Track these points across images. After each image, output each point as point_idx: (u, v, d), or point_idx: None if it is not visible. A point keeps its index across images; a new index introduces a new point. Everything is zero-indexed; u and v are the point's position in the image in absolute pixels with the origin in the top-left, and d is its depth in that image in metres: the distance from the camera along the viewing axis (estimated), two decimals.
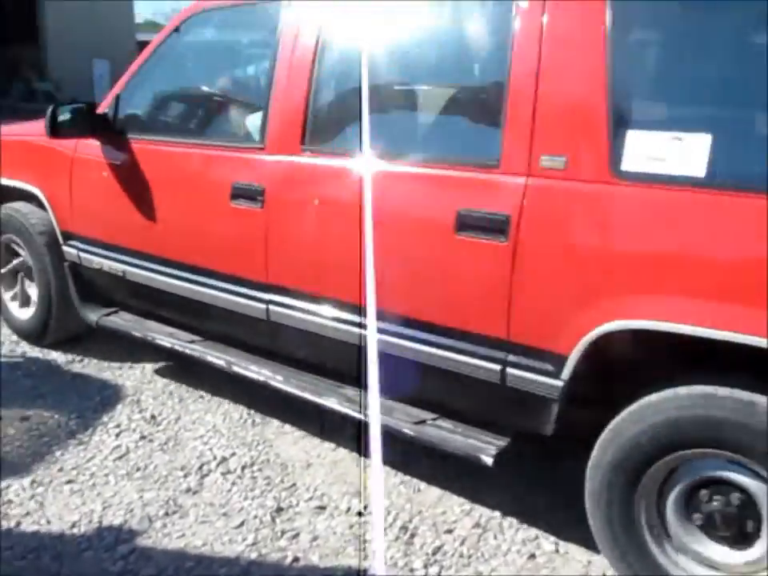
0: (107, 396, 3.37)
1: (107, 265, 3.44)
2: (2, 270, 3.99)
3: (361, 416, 2.57)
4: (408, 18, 2.58)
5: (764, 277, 1.76)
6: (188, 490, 2.67)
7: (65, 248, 3.63)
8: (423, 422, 2.52)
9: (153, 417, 3.18)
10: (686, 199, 1.89)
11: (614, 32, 1.97)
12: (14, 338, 4.01)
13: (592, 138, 2.01)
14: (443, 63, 2.57)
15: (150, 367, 3.68)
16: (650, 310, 1.95)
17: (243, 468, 2.80)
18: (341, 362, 2.74)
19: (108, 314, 3.57)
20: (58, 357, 3.79)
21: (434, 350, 2.39)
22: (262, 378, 2.91)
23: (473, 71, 2.46)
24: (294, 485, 2.71)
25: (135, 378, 3.57)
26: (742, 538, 1.97)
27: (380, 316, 2.25)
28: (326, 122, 2.75)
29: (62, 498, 2.61)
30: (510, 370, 2.24)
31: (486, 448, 2.33)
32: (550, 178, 2.10)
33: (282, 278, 2.76)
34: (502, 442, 2.36)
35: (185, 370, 3.56)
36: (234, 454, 2.90)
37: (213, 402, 3.33)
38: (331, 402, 2.70)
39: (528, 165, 2.12)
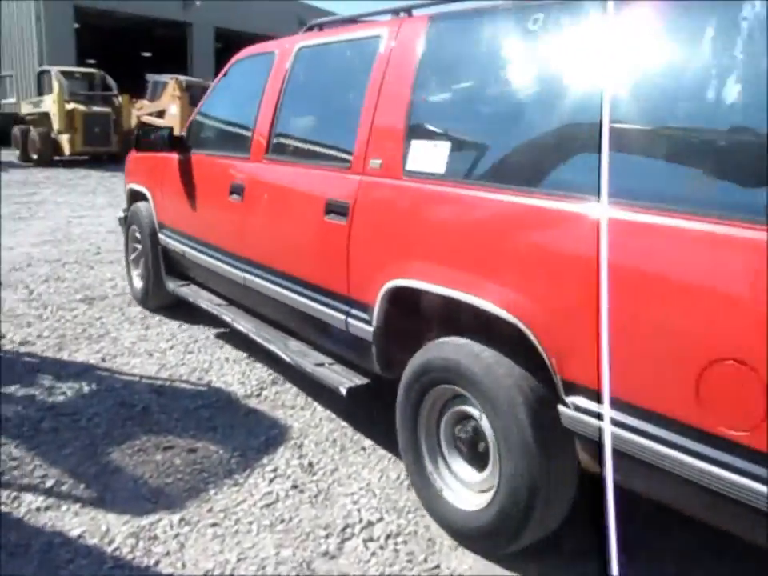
0: (273, 436, 3.32)
1: (177, 247, 4.62)
2: (135, 251, 5.31)
3: (286, 358, 3.43)
4: (321, 67, 3.62)
5: (488, 251, 2.35)
6: (325, 554, 2.48)
7: (159, 235, 4.90)
8: (322, 364, 3.30)
9: (310, 464, 3.07)
10: (434, 189, 2.60)
11: (413, 88, 2.78)
12: (205, 365, 4.17)
13: (395, 147, 2.80)
14: (332, 99, 3.47)
15: (320, 410, 3.60)
16: (416, 272, 2.61)
17: (388, 537, 2.57)
18: (279, 317, 3.68)
19: (181, 285, 4.75)
20: (238, 389, 3.85)
21: (311, 303, 3.22)
22: (244, 330, 3.86)
23: (348, 104, 3.18)
24: (437, 567, 2.42)
25: (304, 420, 3.50)
26: (480, 461, 2.51)
27: (275, 273, 3.49)
28: (281, 139, 3.65)
29: (203, 541, 2.55)
30: (350, 320, 2.98)
31: (346, 383, 3.04)
32: (372, 175, 2.89)
33: (251, 253, 3.72)
34: (360, 381, 3.06)
35: (353, 418, 3.43)
36: (381, 519, 2.68)
37: (374, 456, 3.15)
38: (275, 347, 3.55)
39: (363, 166, 2.93)
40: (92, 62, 26.90)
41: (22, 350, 4.37)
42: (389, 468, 3.04)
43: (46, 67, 19.62)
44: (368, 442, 3.26)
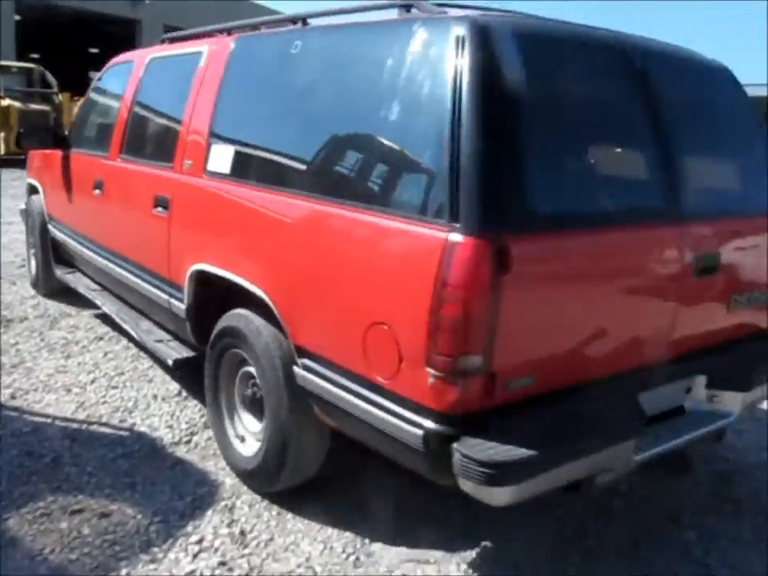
0: (201, 496, 2.90)
1: (61, 237, 5.05)
2: (31, 240, 5.72)
3: (135, 335, 3.89)
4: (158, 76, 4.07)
5: (246, 236, 2.89)
6: None
7: (48, 226, 5.30)
8: (162, 341, 3.71)
9: (242, 533, 2.67)
10: (220, 186, 3.08)
11: (217, 99, 3.23)
12: (129, 404, 3.72)
13: (200, 150, 3.26)
14: (168, 105, 3.84)
15: None
16: (208, 257, 3.08)
17: None
18: (131, 299, 4.14)
19: (67, 273, 5.13)
20: (165, 434, 3.41)
21: (147, 286, 3.71)
22: (109, 312, 4.28)
23: (177, 110, 3.54)
24: None
25: None
26: (261, 414, 2.88)
27: (124, 260, 4.02)
28: (131, 140, 4.08)
29: None
30: (171, 300, 3.45)
31: (174, 355, 3.50)
32: (185, 174, 3.34)
33: (108, 242, 4.26)
34: (187, 354, 3.52)
35: None
36: None
37: (315, 524, 2.75)
38: (128, 326, 3.99)
39: (180, 166, 3.39)
40: (35, 56, 25.82)
41: None
42: (333, 539, 2.66)
43: None
44: (310, 508, 2.86)
